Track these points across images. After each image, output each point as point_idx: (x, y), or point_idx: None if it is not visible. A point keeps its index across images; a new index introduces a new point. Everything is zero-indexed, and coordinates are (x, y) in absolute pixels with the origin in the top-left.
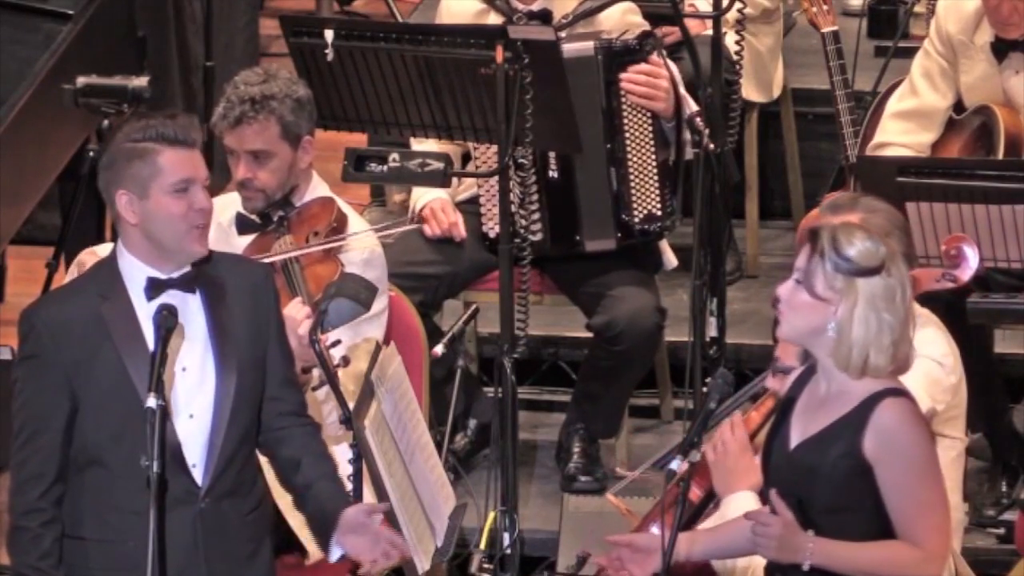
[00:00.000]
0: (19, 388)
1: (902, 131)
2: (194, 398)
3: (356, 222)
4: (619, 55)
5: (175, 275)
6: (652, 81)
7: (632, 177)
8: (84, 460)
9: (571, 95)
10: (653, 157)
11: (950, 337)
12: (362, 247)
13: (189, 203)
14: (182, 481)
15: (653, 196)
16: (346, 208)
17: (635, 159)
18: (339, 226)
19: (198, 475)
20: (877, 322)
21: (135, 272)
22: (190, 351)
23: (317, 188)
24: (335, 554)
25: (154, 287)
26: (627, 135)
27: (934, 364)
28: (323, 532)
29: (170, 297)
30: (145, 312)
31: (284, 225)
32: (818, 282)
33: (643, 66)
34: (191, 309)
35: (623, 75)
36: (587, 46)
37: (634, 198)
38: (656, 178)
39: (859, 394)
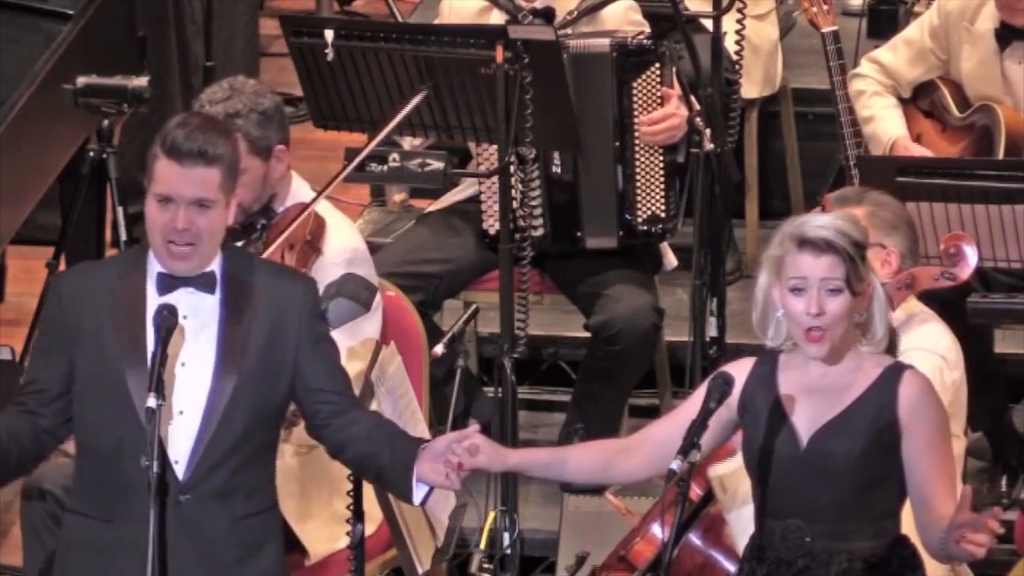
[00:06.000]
0: (33, 347)
1: (876, 71)
2: (188, 395)
3: (336, 224)
4: (634, 54)
5: (189, 275)
6: (672, 124)
7: (638, 177)
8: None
9: (584, 91)
10: (661, 159)
11: (952, 333)
12: (343, 247)
13: (170, 217)
14: (164, 476)
15: (658, 197)
16: (327, 208)
17: (643, 159)
18: (314, 238)
19: (180, 470)
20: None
21: (155, 263)
22: (194, 348)
23: (298, 193)
24: (418, 495)
25: (166, 283)
26: (636, 135)
27: (938, 358)
28: (404, 477)
29: (185, 293)
30: (154, 303)
31: (263, 236)
32: (854, 279)
33: (658, 112)
34: (205, 308)
35: (643, 126)
36: (603, 43)
37: (639, 198)
38: (662, 180)
39: (870, 371)
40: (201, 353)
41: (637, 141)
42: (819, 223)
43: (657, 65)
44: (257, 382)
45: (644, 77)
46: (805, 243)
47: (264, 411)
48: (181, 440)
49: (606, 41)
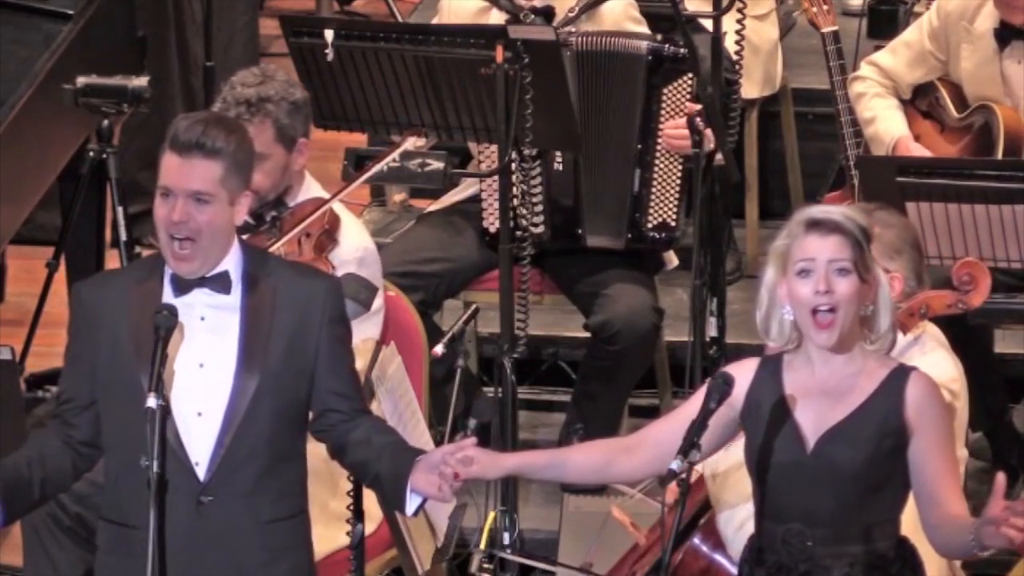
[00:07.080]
0: (64, 358)
1: (876, 74)
2: (206, 395)
3: (349, 222)
4: (669, 61)
5: (194, 276)
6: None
7: (655, 183)
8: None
9: (612, 89)
10: (680, 168)
11: (957, 359)
12: (356, 245)
13: (169, 209)
14: (183, 477)
15: (671, 205)
16: (339, 207)
17: (662, 166)
18: (331, 228)
19: (200, 471)
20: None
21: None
22: (213, 349)
23: (310, 188)
24: (412, 505)
25: (180, 285)
26: (660, 141)
27: (944, 391)
28: (399, 487)
29: (201, 294)
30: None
31: (276, 226)
32: (861, 265)
33: (684, 120)
34: (224, 307)
35: (667, 130)
36: (639, 45)
37: (652, 204)
38: (678, 188)
39: (876, 372)
40: (221, 354)
41: (659, 147)
42: (826, 208)
43: (690, 75)
44: (280, 382)
45: (675, 85)
46: (812, 225)
47: (288, 412)
48: (201, 442)
49: (643, 43)
